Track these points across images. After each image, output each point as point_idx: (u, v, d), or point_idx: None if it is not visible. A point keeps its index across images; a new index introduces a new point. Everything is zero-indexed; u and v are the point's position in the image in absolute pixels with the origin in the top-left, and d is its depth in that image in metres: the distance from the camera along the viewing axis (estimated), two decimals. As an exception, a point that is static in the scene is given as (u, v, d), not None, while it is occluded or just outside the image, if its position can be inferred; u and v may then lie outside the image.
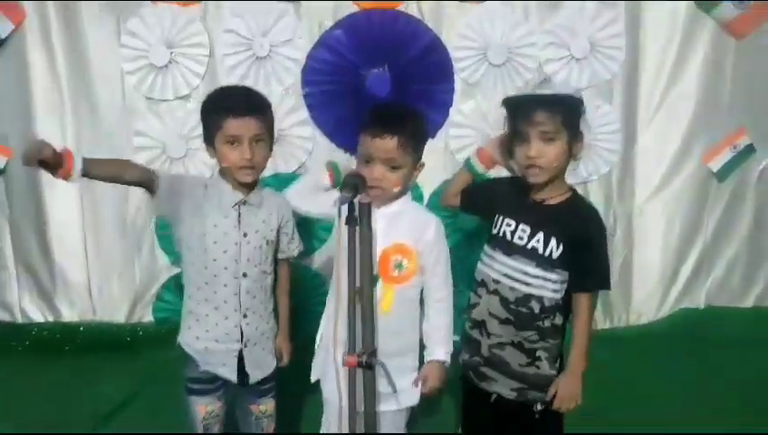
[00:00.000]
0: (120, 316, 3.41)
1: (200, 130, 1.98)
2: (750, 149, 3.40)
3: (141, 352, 3.27)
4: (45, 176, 3.03)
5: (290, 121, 3.12)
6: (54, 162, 1.61)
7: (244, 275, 1.86)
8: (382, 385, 1.73)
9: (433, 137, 3.15)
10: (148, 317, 3.41)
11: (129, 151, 3.12)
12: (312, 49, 3.12)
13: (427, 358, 1.87)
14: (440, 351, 1.85)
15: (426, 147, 1.91)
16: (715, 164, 3.42)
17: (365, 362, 1.51)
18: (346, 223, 1.43)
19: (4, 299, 3.39)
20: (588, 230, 1.83)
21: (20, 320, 3.43)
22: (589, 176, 3.32)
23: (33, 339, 3.37)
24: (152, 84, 3.11)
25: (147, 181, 1.77)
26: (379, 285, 1.72)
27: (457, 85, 3.22)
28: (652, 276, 3.57)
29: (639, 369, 3.17)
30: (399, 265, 1.75)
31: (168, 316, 3.35)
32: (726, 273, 3.61)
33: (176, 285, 3.33)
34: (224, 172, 1.89)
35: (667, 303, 3.61)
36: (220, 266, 1.85)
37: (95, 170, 1.70)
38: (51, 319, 3.43)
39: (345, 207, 1.42)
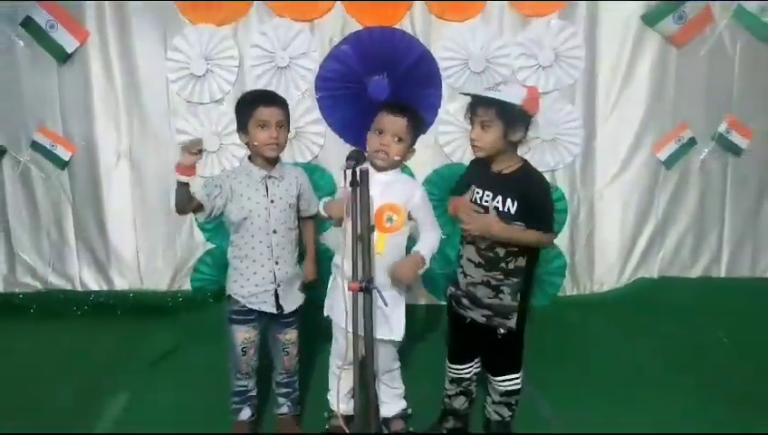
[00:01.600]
0: (163, 285, 3.86)
1: (231, 128, 2.55)
2: (692, 142, 3.80)
3: (180, 315, 3.73)
4: (103, 167, 3.68)
5: (305, 120, 3.61)
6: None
7: (274, 231, 2.41)
8: (378, 318, 2.27)
9: (424, 133, 3.46)
10: (187, 286, 3.86)
11: (173, 146, 3.61)
12: (324, 60, 3.59)
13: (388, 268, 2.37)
14: (423, 250, 2.36)
15: (418, 141, 2.46)
16: (663, 154, 3.82)
17: (364, 287, 2.04)
18: (350, 185, 2.02)
19: (66, 271, 3.87)
20: (533, 190, 2.29)
21: (79, 288, 3.88)
22: (556, 165, 3.73)
23: (90, 304, 3.79)
24: (192, 90, 3.60)
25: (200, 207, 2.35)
26: (375, 235, 2.30)
27: (444, 90, 3.63)
28: (612, 251, 3.94)
29: (603, 329, 3.57)
30: (390, 219, 2.31)
31: (203, 285, 3.82)
32: (676, 247, 3.98)
33: (210, 259, 3.80)
34: (251, 157, 2.46)
35: (626, 273, 3.98)
36: (255, 227, 2.41)
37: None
38: (105, 288, 3.89)
39: (349, 173, 2.00)
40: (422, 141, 2.70)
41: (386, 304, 2.15)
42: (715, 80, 3.77)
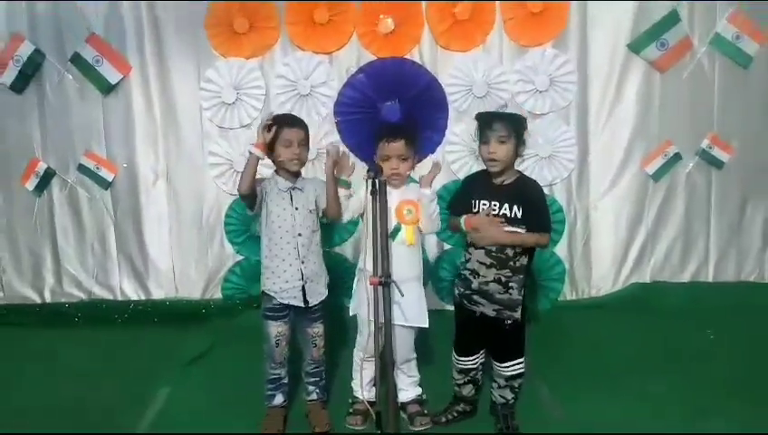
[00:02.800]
0: (196, 293, 4.19)
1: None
2: (678, 157, 4.10)
3: (212, 321, 4.03)
4: (142, 187, 4.04)
5: (325, 142, 3.87)
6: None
7: (299, 234, 2.78)
8: (396, 310, 2.62)
9: (433, 152, 3.94)
10: (218, 294, 4.18)
11: (206, 167, 4.02)
12: (342, 88, 3.94)
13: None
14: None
15: (428, 159, 2.86)
16: (651, 168, 4.11)
17: (383, 281, 2.39)
18: (371, 194, 2.38)
19: (108, 282, 4.22)
20: (533, 195, 2.66)
21: (120, 298, 4.22)
22: (553, 180, 4.03)
23: (129, 312, 4.11)
24: (223, 116, 3.97)
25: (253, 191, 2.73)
26: (403, 229, 2.67)
27: (450, 113, 3.96)
28: (607, 258, 4.22)
29: (600, 330, 3.84)
30: (409, 211, 2.69)
31: (233, 293, 4.14)
32: (666, 254, 4.24)
33: (239, 269, 4.14)
34: (278, 171, 2.83)
35: (621, 278, 4.24)
36: (283, 230, 2.77)
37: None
38: (143, 297, 4.22)
39: (370, 183, 2.37)
40: (431, 159, 3.06)
41: (402, 295, 2.49)
42: (697, 100, 4.08)
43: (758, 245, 4.32)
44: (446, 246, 4.14)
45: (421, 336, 2.90)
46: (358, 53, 3.96)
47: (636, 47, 3.99)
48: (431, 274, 4.08)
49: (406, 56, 3.97)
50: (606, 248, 4.25)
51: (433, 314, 3.15)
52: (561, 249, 4.17)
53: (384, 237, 2.39)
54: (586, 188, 4.16)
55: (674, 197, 4.22)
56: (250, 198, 2.76)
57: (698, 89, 4.07)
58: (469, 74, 3.96)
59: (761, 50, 4.03)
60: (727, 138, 4.13)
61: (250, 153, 2.68)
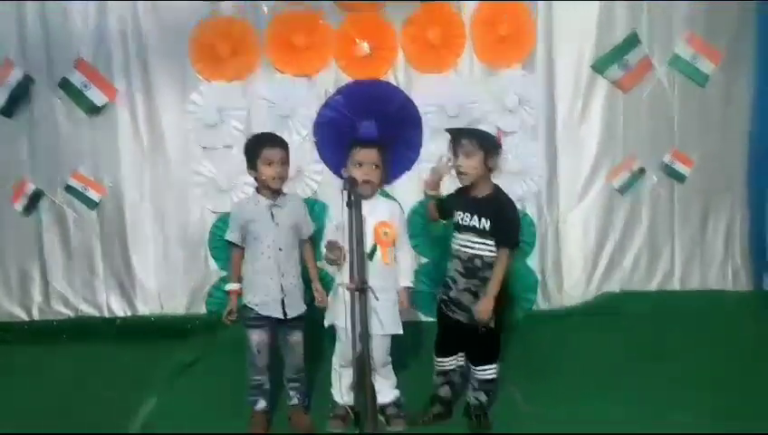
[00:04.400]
0: (180, 309, 4.29)
1: (241, 169, 3.07)
2: (642, 171, 4.28)
3: (197, 335, 4.10)
4: (128, 206, 4.17)
5: (306, 160, 4.09)
6: None
7: (280, 249, 2.92)
8: (373, 319, 2.76)
9: (409, 169, 4.10)
10: (202, 309, 4.28)
11: (190, 186, 4.16)
12: (320, 109, 4.10)
13: (399, 285, 2.94)
14: (406, 281, 2.94)
15: (404, 176, 3.01)
16: (617, 182, 4.29)
17: (359, 287, 2.53)
18: (347, 205, 2.54)
19: (95, 299, 4.33)
20: (503, 211, 2.83)
21: (107, 314, 4.32)
22: (524, 194, 4.18)
23: (116, 328, 4.23)
24: (207, 137, 4.11)
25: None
26: (379, 250, 2.83)
27: (425, 131, 4.12)
28: (578, 268, 4.37)
29: (573, 338, 3.97)
30: (385, 233, 2.85)
31: (217, 309, 4.10)
32: (634, 264, 4.39)
33: (223, 285, 3.99)
34: (259, 189, 2.98)
35: (591, 288, 4.39)
36: (264, 246, 2.91)
37: None
38: (129, 313, 4.32)
39: (345, 194, 2.53)
40: (407, 176, 3.23)
41: (377, 299, 2.65)
42: (658, 117, 4.28)
43: (721, 254, 4.49)
44: (423, 260, 4.29)
45: (400, 344, 3.05)
46: (335, 76, 4.13)
47: (599, 68, 4.21)
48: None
49: (381, 78, 4.14)
50: (576, 259, 4.41)
51: (410, 325, 3.34)
52: (532, 261, 4.32)
53: (359, 246, 2.54)
54: (555, 202, 4.33)
55: (639, 209, 4.39)
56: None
57: (659, 106, 4.28)
58: (441, 94, 4.12)
59: (716, 69, 4.25)
60: (688, 152, 4.33)
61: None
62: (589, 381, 3.36)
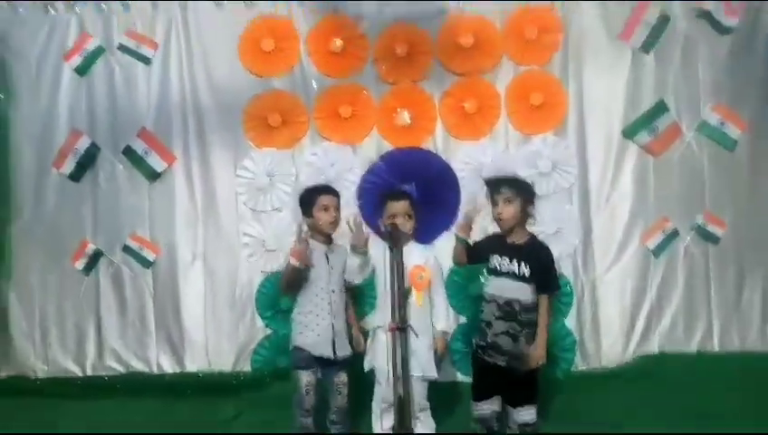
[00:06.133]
0: (227, 366, 4.40)
1: (289, 231, 3.34)
2: (675, 232, 4.35)
3: (242, 392, 4.25)
4: (181, 266, 4.38)
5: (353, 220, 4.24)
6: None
7: (333, 291, 3.13)
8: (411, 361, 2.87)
9: (448, 230, 4.17)
10: (248, 367, 4.39)
11: (240, 247, 4.37)
12: (364, 174, 4.32)
13: (435, 329, 3.07)
14: (441, 324, 3.08)
15: (443, 235, 3.17)
16: (651, 243, 4.35)
17: (399, 327, 2.65)
18: (389, 248, 2.70)
19: (146, 355, 4.48)
20: (542, 257, 3.00)
21: (156, 371, 4.45)
22: (560, 255, 4.17)
23: (165, 384, 4.36)
24: (256, 200, 4.36)
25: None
26: (413, 293, 2.99)
27: (462, 195, 4.26)
28: (615, 330, 4.38)
29: (613, 400, 3.97)
30: (421, 277, 3.02)
31: (262, 366, 4.35)
32: (671, 325, 4.38)
33: (268, 343, 4.37)
34: (313, 236, 3.19)
35: (629, 349, 4.38)
36: (318, 288, 3.12)
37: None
38: (178, 369, 4.44)
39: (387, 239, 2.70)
40: (447, 236, 3.41)
41: (416, 336, 2.77)
42: (689, 180, 4.39)
43: (759, 315, 4.47)
44: (461, 319, 4.38)
45: (438, 402, 3.16)
46: (378, 144, 4.39)
47: (629, 133, 4.38)
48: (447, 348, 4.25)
49: (421, 146, 4.38)
50: (613, 320, 4.43)
51: (448, 386, 3.45)
52: (570, 321, 4.38)
53: (401, 286, 2.69)
54: (591, 263, 4.41)
55: (674, 270, 4.42)
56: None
57: (689, 170, 4.40)
58: (479, 160, 4.33)
59: (744, 133, 4.38)
60: (720, 214, 4.41)
61: (288, 263, 3.02)
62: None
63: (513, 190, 2.99)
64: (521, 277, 2.96)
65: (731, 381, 4.10)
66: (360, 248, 3.13)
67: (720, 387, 4.03)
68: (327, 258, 3.16)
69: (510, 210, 2.99)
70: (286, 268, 3.06)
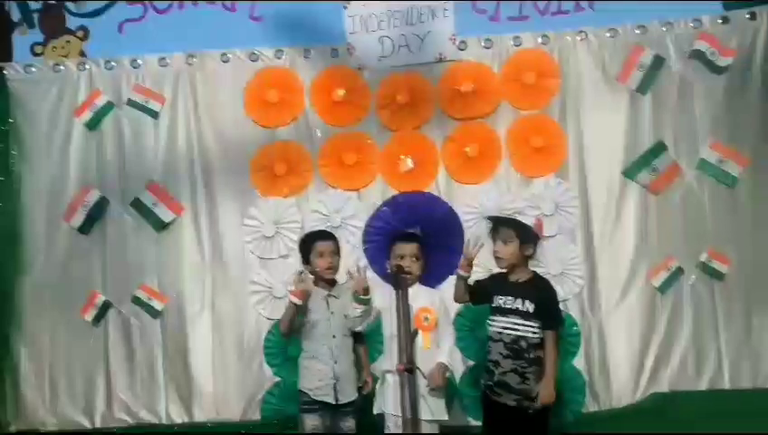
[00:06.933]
0: (236, 415, 4.37)
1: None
2: (680, 270, 4.36)
3: None
4: (189, 316, 4.41)
5: (355, 268, 4.29)
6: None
7: (333, 336, 3.16)
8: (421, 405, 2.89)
9: (452, 274, 4.00)
10: (257, 416, 4.36)
11: (247, 295, 4.41)
12: (369, 220, 4.38)
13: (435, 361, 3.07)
14: (443, 357, 3.08)
15: (447, 282, 3.22)
16: (657, 281, 4.35)
17: (407, 368, 2.69)
18: (395, 289, 2.74)
19: (154, 406, 4.46)
20: (545, 294, 3.05)
21: (165, 422, 4.43)
22: (565, 295, 4.25)
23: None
24: (263, 248, 4.42)
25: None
26: (420, 335, 3.01)
27: (466, 238, 4.10)
28: (624, 369, 4.33)
29: None
30: (426, 319, 3.05)
31: (271, 414, 4.32)
32: (681, 363, 4.34)
33: (277, 390, 4.34)
34: (316, 281, 3.23)
35: (640, 388, 4.33)
36: (319, 334, 3.17)
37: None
38: (186, 419, 4.42)
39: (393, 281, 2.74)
40: (450, 281, 3.46)
41: (424, 377, 2.79)
42: (691, 217, 4.41)
43: (769, 351, 4.44)
44: (470, 362, 4.36)
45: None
46: (382, 189, 4.46)
47: (630, 174, 4.43)
48: (456, 391, 4.22)
49: (424, 190, 4.45)
50: (622, 359, 4.39)
51: (459, 429, 3.42)
52: (578, 362, 4.36)
53: (407, 328, 2.73)
54: (597, 302, 4.41)
55: (681, 308, 4.40)
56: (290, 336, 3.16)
57: (691, 207, 4.42)
58: (482, 203, 4.38)
59: (744, 171, 4.42)
60: (724, 251, 4.41)
61: (290, 301, 3.10)
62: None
63: (511, 231, 3.07)
64: (525, 314, 2.99)
65: (743, 419, 4.04)
66: (360, 295, 3.16)
67: (733, 425, 3.97)
68: (327, 303, 3.20)
69: (508, 250, 3.08)
70: (287, 307, 3.10)
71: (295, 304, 3.08)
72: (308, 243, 3.30)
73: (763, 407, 4.20)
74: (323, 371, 3.15)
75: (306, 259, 3.26)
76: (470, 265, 3.22)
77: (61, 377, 4.55)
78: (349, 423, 3.21)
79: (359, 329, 3.26)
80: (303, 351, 3.22)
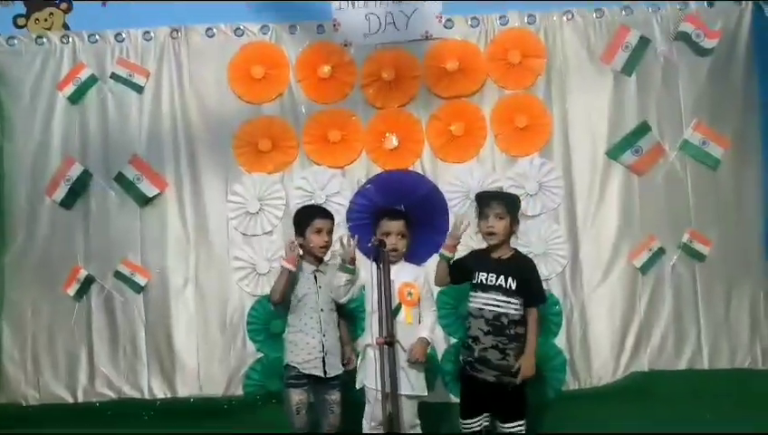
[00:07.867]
0: (219, 391, 4.40)
1: (279, 254, 3.37)
2: (661, 251, 4.40)
3: (234, 416, 4.24)
4: (172, 291, 4.40)
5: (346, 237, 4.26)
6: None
7: (321, 310, 3.17)
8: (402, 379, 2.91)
9: (437, 252, 4.15)
10: (239, 391, 4.38)
11: (231, 271, 4.41)
12: (353, 197, 4.39)
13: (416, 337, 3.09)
14: (425, 332, 3.09)
15: (431, 260, 3.23)
16: (638, 262, 4.39)
17: (387, 341, 2.73)
18: (374, 261, 2.75)
19: (137, 381, 4.46)
20: (528, 271, 3.07)
21: (147, 396, 4.44)
22: (549, 275, 4.30)
23: (156, 410, 4.33)
24: (247, 225, 4.41)
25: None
26: (403, 309, 3.02)
27: (451, 217, 4.28)
28: (605, 348, 4.39)
29: (604, 418, 3.96)
30: (410, 294, 3.06)
31: (254, 390, 4.34)
32: (660, 343, 4.39)
33: (260, 366, 4.36)
34: (303, 256, 3.23)
35: (620, 368, 4.38)
36: (308, 307, 3.17)
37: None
38: (169, 395, 4.43)
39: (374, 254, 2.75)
40: (434, 259, 3.48)
41: (404, 350, 2.82)
42: (674, 199, 4.45)
43: (747, 332, 4.49)
44: (452, 340, 4.40)
45: (430, 423, 3.18)
46: (367, 167, 4.47)
47: (613, 154, 4.46)
48: (438, 368, 4.29)
49: (409, 168, 4.46)
50: (603, 338, 4.44)
51: (440, 406, 3.43)
52: (560, 340, 4.40)
53: (387, 301, 2.75)
54: (579, 282, 4.44)
55: (662, 288, 4.45)
56: (282, 305, 3.15)
57: (674, 188, 4.46)
58: (466, 182, 4.40)
59: (726, 153, 4.46)
60: (705, 232, 4.46)
61: (282, 267, 3.09)
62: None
63: (504, 206, 3.08)
64: (508, 291, 3.01)
65: (721, 399, 4.12)
66: (348, 264, 3.17)
67: (710, 404, 4.06)
68: (315, 278, 3.21)
69: (501, 225, 3.09)
70: (279, 275, 3.10)
71: (289, 271, 3.08)
72: (306, 217, 3.29)
73: (740, 387, 4.29)
74: (312, 344, 3.16)
75: (301, 232, 3.24)
76: (455, 247, 3.21)
77: (43, 352, 4.54)
78: (334, 396, 3.23)
79: (342, 301, 3.27)
80: (289, 326, 3.22)
